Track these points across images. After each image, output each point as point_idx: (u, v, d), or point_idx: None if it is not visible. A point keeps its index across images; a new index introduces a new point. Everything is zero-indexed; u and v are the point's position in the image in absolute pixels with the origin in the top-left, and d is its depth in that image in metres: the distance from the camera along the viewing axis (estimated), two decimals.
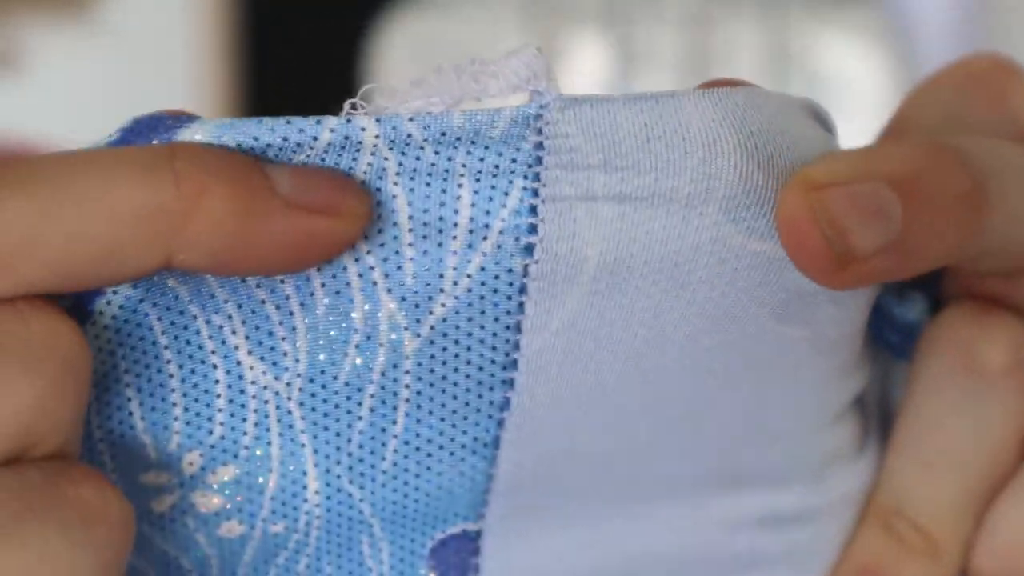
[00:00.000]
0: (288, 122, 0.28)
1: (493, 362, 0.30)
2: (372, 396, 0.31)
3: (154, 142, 0.28)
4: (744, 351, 0.31)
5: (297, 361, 0.30)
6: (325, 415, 0.31)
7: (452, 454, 0.32)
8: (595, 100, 0.29)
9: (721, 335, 0.30)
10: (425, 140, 0.29)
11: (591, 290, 0.29)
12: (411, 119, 0.28)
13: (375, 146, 0.28)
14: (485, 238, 0.29)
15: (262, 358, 0.30)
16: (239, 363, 0.30)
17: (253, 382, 0.30)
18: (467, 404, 0.31)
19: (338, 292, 0.30)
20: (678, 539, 0.34)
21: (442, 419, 0.31)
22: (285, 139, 0.28)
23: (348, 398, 0.31)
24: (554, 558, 0.34)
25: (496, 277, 0.29)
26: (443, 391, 0.31)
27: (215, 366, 0.30)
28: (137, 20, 1.14)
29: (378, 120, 0.28)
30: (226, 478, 0.31)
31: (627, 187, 0.29)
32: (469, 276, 0.29)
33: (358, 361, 0.30)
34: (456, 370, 0.30)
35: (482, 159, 0.29)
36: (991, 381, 0.33)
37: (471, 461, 0.32)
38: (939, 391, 0.33)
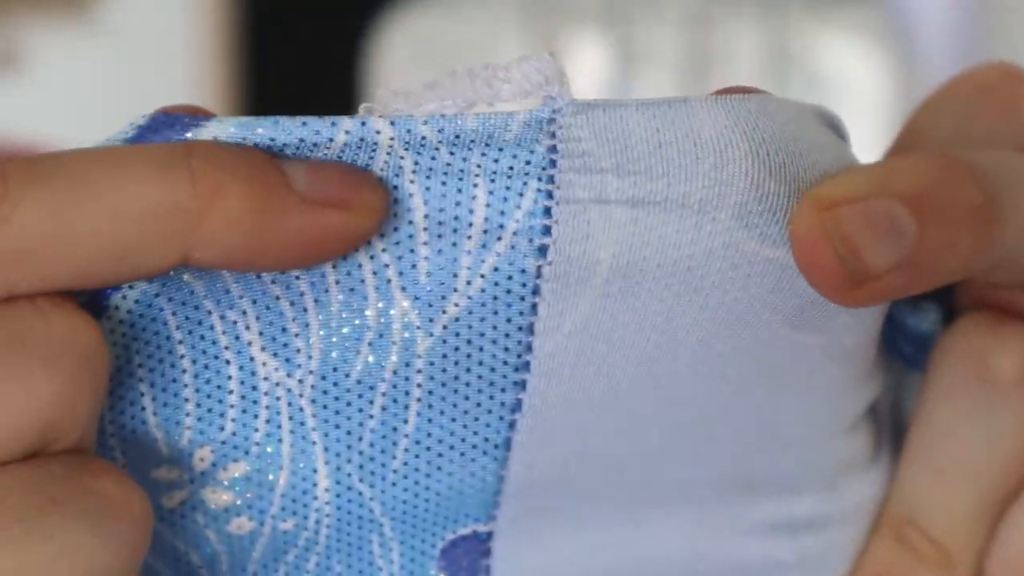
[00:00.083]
0: (304, 124, 0.28)
1: (505, 363, 0.30)
2: (384, 395, 0.31)
3: (171, 140, 0.29)
4: (757, 357, 0.31)
5: (310, 358, 0.30)
6: (336, 413, 0.31)
7: (463, 454, 0.32)
8: (607, 105, 0.29)
9: (734, 340, 0.31)
10: (440, 142, 0.29)
11: (604, 293, 0.30)
12: (425, 122, 0.29)
13: (391, 147, 0.29)
14: (499, 239, 0.29)
15: (275, 354, 0.30)
16: (252, 359, 0.30)
17: (266, 378, 0.31)
18: (478, 405, 0.31)
19: (352, 289, 0.30)
20: (690, 544, 0.34)
21: (453, 419, 0.31)
22: (301, 140, 0.28)
23: (360, 396, 0.31)
24: (565, 561, 0.34)
25: (509, 278, 0.29)
26: (455, 391, 0.31)
27: (228, 362, 0.30)
28: (137, 20, 1.14)
29: (392, 123, 0.29)
30: (237, 474, 0.31)
31: (639, 191, 0.29)
32: (483, 276, 0.29)
33: (370, 359, 0.30)
34: (468, 370, 0.30)
35: (496, 160, 0.29)
36: (1004, 391, 0.33)
37: (482, 462, 0.32)
38: (952, 401, 0.33)
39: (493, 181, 0.29)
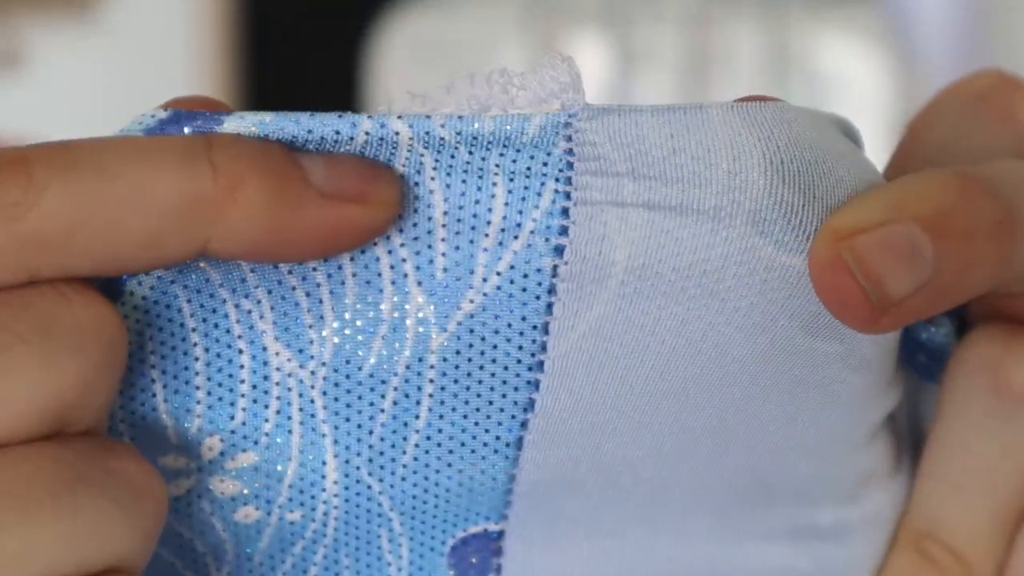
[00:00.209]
0: (324, 123, 0.29)
1: (519, 362, 0.30)
2: (396, 389, 0.31)
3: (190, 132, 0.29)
4: (774, 364, 0.31)
5: (323, 350, 0.31)
6: (348, 406, 0.31)
7: (473, 452, 0.32)
8: (622, 110, 0.29)
9: (750, 346, 0.31)
10: (458, 142, 0.29)
11: (619, 294, 0.30)
12: (442, 124, 0.29)
13: (410, 145, 0.29)
14: (516, 237, 0.29)
15: (288, 345, 0.31)
16: (265, 348, 0.31)
17: (278, 368, 0.31)
18: (491, 403, 0.31)
19: (368, 282, 0.30)
20: (706, 550, 0.34)
21: (465, 416, 0.31)
22: (323, 138, 0.29)
23: (371, 390, 0.31)
24: (578, 564, 0.34)
25: (525, 276, 0.30)
26: (467, 388, 0.31)
27: (241, 351, 0.31)
28: (138, 20, 1.14)
29: (410, 125, 0.29)
30: (245, 464, 0.31)
31: (654, 196, 0.29)
32: (499, 274, 0.30)
33: (383, 353, 0.30)
34: (481, 368, 0.31)
35: (515, 161, 0.29)
36: (1019, 403, 0.33)
37: (492, 460, 0.32)
38: (967, 414, 0.33)
39: (512, 180, 0.29)
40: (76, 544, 0.27)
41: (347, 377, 0.31)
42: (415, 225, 0.29)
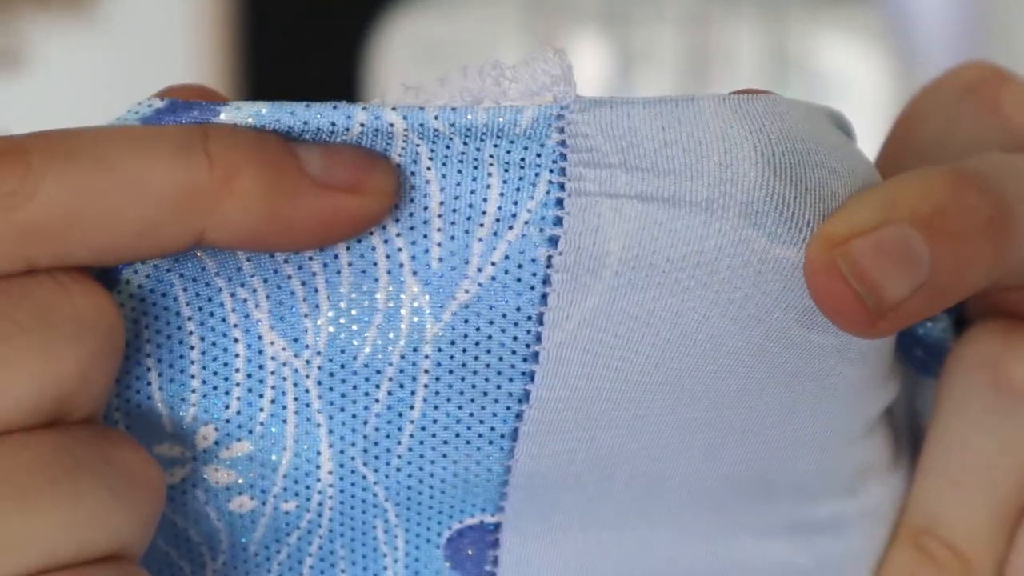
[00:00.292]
0: (320, 114, 0.29)
1: (514, 353, 0.31)
2: (390, 379, 0.31)
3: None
4: (769, 356, 0.31)
5: (318, 339, 0.31)
6: (342, 395, 0.31)
7: (468, 443, 0.32)
8: (614, 102, 0.30)
9: (745, 338, 0.31)
10: (453, 133, 0.29)
11: (613, 285, 0.30)
12: (436, 116, 0.29)
13: (406, 136, 0.29)
14: (511, 227, 0.29)
15: (283, 334, 0.31)
16: (260, 338, 0.31)
17: (273, 358, 0.31)
18: (485, 394, 0.31)
19: (364, 272, 0.30)
20: (705, 545, 0.34)
21: (460, 407, 0.31)
22: (318, 129, 0.29)
23: (366, 379, 0.31)
24: (575, 557, 0.34)
25: (520, 266, 0.30)
26: (462, 379, 0.31)
27: (236, 340, 0.31)
28: (139, 19, 1.14)
29: (405, 116, 0.29)
30: (239, 454, 0.32)
31: (647, 187, 0.29)
32: (494, 264, 0.30)
33: (378, 343, 0.31)
34: (476, 358, 0.31)
35: (508, 152, 0.29)
36: (1018, 399, 0.33)
37: (488, 451, 0.32)
38: (966, 411, 0.33)
39: (506, 171, 0.29)
40: (75, 531, 0.27)
41: (342, 367, 0.31)
42: (411, 215, 0.30)
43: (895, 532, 0.35)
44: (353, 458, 0.32)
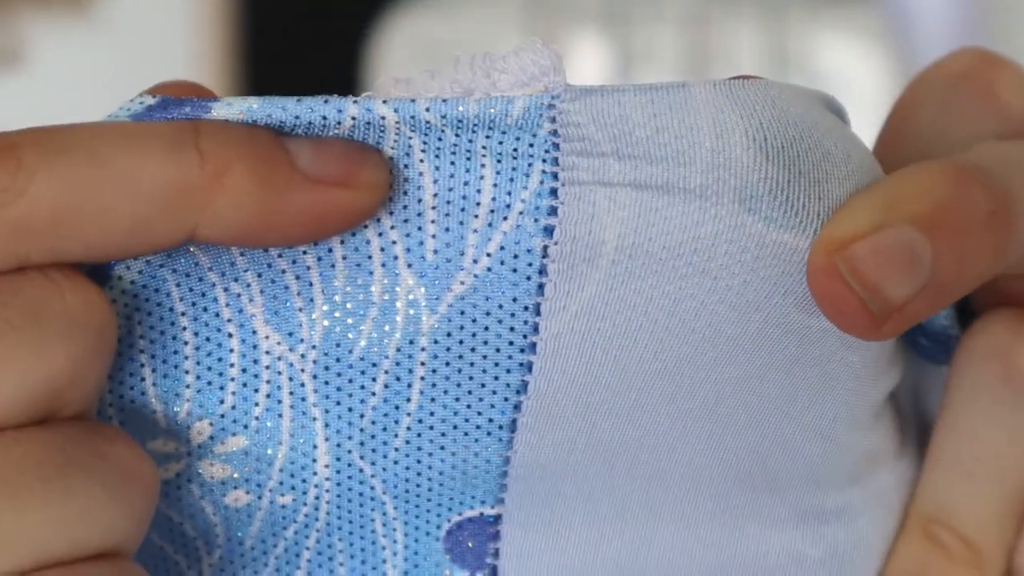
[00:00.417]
0: (311, 109, 0.29)
1: (511, 344, 0.30)
2: (387, 372, 0.31)
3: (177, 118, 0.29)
4: (769, 342, 0.31)
5: (313, 333, 0.30)
6: (338, 389, 0.31)
7: (466, 434, 0.32)
8: (605, 90, 0.30)
9: (744, 324, 0.30)
10: (444, 125, 0.29)
11: (610, 274, 0.30)
12: (427, 108, 0.29)
13: (398, 129, 0.29)
14: (506, 218, 0.29)
15: (278, 328, 0.31)
16: (254, 332, 0.31)
17: (267, 352, 0.31)
18: (483, 385, 0.31)
19: (359, 265, 0.30)
20: (708, 535, 0.34)
21: (457, 399, 0.31)
22: (310, 124, 0.29)
23: (362, 373, 0.31)
24: (577, 549, 0.34)
25: (516, 257, 0.30)
26: (459, 370, 0.31)
27: (230, 335, 0.30)
28: (138, 18, 1.14)
29: (396, 109, 0.29)
30: (234, 448, 0.31)
31: (640, 175, 0.29)
32: (489, 255, 0.30)
33: (374, 336, 0.30)
34: (473, 350, 0.31)
35: (501, 143, 0.29)
36: None
37: (486, 443, 0.32)
38: (976, 402, 0.33)
39: (499, 162, 0.29)
40: (67, 528, 0.27)
41: (337, 360, 0.31)
42: (405, 207, 0.29)
43: (905, 522, 0.35)
44: (350, 451, 0.32)
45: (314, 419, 0.31)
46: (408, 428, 0.32)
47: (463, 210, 0.29)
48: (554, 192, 0.29)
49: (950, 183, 0.29)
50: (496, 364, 0.31)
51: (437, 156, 0.29)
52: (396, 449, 0.32)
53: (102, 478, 0.28)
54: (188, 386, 0.31)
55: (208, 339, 0.31)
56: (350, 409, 0.31)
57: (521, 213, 0.29)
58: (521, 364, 0.31)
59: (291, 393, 0.31)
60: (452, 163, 0.29)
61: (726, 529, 0.34)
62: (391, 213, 0.30)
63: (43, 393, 0.28)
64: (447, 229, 0.30)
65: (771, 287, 0.30)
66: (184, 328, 0.30)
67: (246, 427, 0.31)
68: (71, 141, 0.28)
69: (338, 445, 0.32)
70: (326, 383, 0.31)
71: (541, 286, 0.30)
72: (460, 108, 0.29)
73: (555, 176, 0.29)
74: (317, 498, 0.32)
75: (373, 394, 0.31)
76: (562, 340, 0.30)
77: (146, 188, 0.28)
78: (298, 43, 1.23)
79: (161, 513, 0.32)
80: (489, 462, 0.32)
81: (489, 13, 1.10)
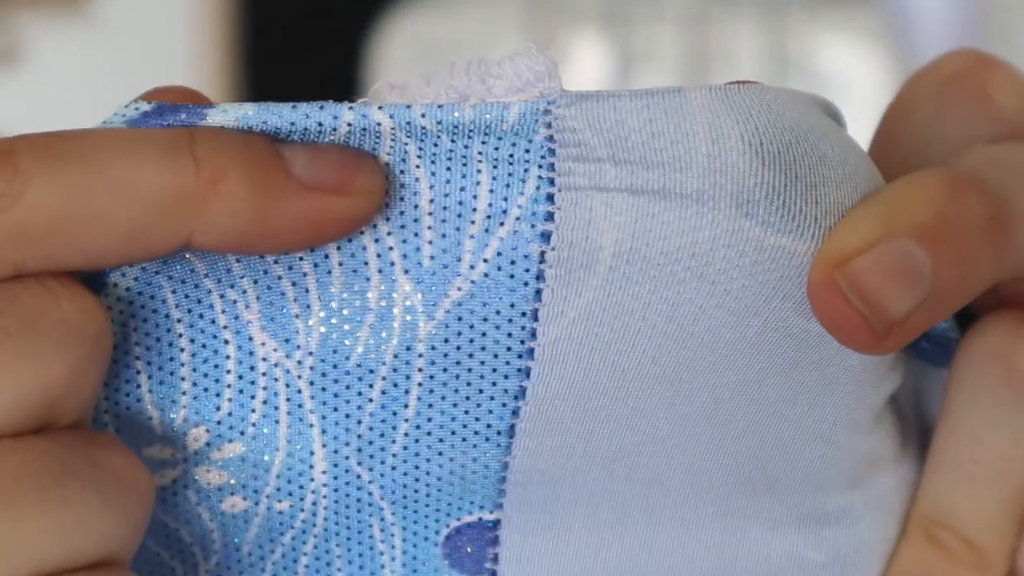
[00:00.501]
0: (307, 115, 0.29)
1: (508, 349, 0.30)
2: (384, 379, 0.31)
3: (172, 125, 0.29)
4: (768, 346, 0.31)
5: (309, 339, 0.30)
6: (335, 395, 0.31)
7: (464, 440, 0.32)
8: (601, 96, 0.30)
9: (743, 329, 0.30)
10: (440, 131, 0.29)
11: (607, 279, 0.30)
12: (423, 114, 0.29)
13: (393, 135, 0.29)
14: (502, 224, 0.29)
15: (274, 335, 0.30)
16: (251, 339, 0.30)
17: (264, 359, 0.31)
18: (481, 391, 0.31)
19: (355, 271, 0.30)
20: (709, 539, 0.34)
21: (455, 405, 0.31)
22: (306, 130, 0.29)
23: (359, 379, 0.31)
24: (577, 553, 0.34)
25: (512, 262, 0.30)
26: (457, 377, 0.31)
27: (227, 341, 0.30)
28: (136, 16, 1.14)
29: (391, 115, 0.29)
30: (231, 455, 0.31)
31: (636, 180, 0.29)
32: (486, 261, 0.30)
33: (371, 342, 0.30)
34: (471, 356, 0.31)
35: (497, 148, 0.29)
36: None
37: (484, 448, 0.32)
38: (977, 404, 0.33)
39: (495, 168, 0.29)
40: (64, 536, 0.27)
41: (334, 367, 0.31)
42: (401, 213, 0.29)
43: (906, 524, 0.35)
44: (347, 457, 0.32)
45: (311, 425, 0.31)
46: (406, 434, 0.31)
47: (460, 216, 0.29)
48: (551, 198, 0.29)
49: (947, 192, 0.29)
50: (494, 370, 0.31)
51: (433, 162, 0.29)
52: (394, 455, 0.32)
53: (98, 486, 0.28)
54: (184, 393, 0.31)
55: (204, 346, 0.31)
56: (347, 415, 0.31)
57: (518, 219, 0.29)
58: (519, 370, 0.31)
59: (288, 400, 0.31)
60: (448, 169, 0.29)
61: (727, 533, 0.34)
62: (387, 219, 0.29)
63: (40, 402, 0.28)
64: (444, 235, 0.29)
65: (769, 291, 0.30)
66: (180, 335, 0.30)
67: (243, 433, 0.31)
68: (67, 147, 0.28)
69: (335, 451, 0.32)
70: (323, 390, 0.31)
71: (539, 292, 0.30)
72: (456, 114, 0.29)
73: (551, 182, 0.29)
74: (315, 504, 0.32)
75: (370, 400, 0.31)
76: (560, 346, 0.30)
77: (142, 195, 0.28)
78: (298, 43, 1.23)
79: (157, 519, 0.32)
80: (487, 468, 0.32)
81: (489, 13, 1.10)
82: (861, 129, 0.33)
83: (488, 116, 0.29)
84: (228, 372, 0.31)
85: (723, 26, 1.05)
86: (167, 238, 0.28)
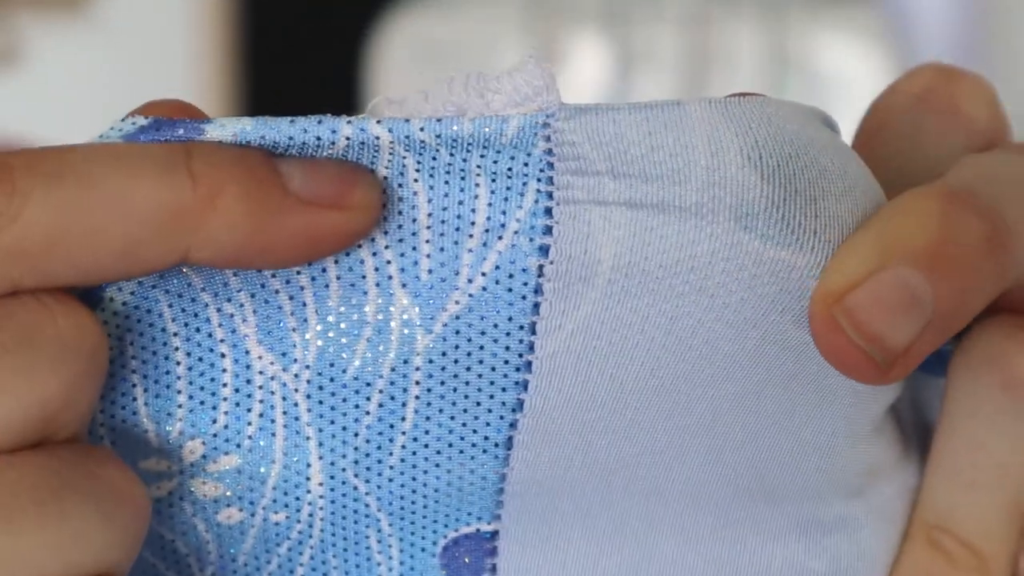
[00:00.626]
0: (305, 130, 0.29)
1: (506, 363, 0.30)
2: (381, 391, 0.31)
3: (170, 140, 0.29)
4: (766, 359, 0.31)
5: (306, 352, 0.30)
6: (332, 408, 0.31)
7: (462, 452, 0.32)
8: (600, 109, 0.30)
9: (741, 342, 0.30)
10: (439, 145, 0.29)
11: (606, 293, 0.30)
12: (421, 128, 0.29)
13: (391, 149, 0.29)
14: (501, 237, 0.29)
15: (271, 348, 0.30)
16: (247, 352, 0.30)
17: (261, 372, 0.31)
18: (478, 404, 0.31)
19: (353, 284, 0.30)
20: (708, 551, 0.34)
21: (452, 417, 0.31)
22: (304, 144, 0.29)
23: (356, 392, 0.31)
24: (576, 565, 0.34)
25: (511, 276, 0.30)
26: (454, 389, 0.31)
27: (223, 355, 0.30)
28: (136, 17, 1.14)
29: (390, 129, 0.29)
30: (227, 467, 0.31)
31: (635, 194, 0.29)
32: (484, 275, 0.30)
33: (368, 355, 0.30)
34: (468, 369, 0.31)
35: (495, 162, 0.29)
36: None
37: (482, 460, 0.32)
38: (976, 410, 0.33)
39: (494, 181, 0.29)
40: (61, 551, 0.27)
41: (331, 380, 0.31)
42: (399, 227, 0.29)
43: (908, 530, 0.35)
44: (344, 469, 0.32)
45: (308, 438, 0.31)
46: (403, 446, 0.31)
47: (458, 229, 0.29)
48: (549, 211, 0.29)
49: (941, 214, 0.29)
50: (491, 383, 0.31)
51: (431, 175, 0.29)
52: (391, 467, 0.32)
53: (96, 501, 0.28)
54: (180, 406, 0.31)
55: (201, 359, 0.31)
56: (344, 428, 0.31)
57: (516, 232, 0.29)
58: (517, 383, 0.31)
59: (284, 412, 0.31)
60: (446, 182, 0.29)
61: (727, 544, 0.34)
62: (385, 233, 0.29)
63: (37, 418, 0.28)
64: (442, 249, 0.29)
65: (768, 304, 0.30)
66: (176, 348, 0.30)
67: (239, 446, 0.31)
68: (64, 163, 0.28)
69: (332, 463, 0.32)
70: (320, 402, 0.31)
71: (536, 305, 0.30)
72: (454, 127, 0.29)
73: (550, 195, 0.29)
74: (311, 515, 0.32)
75: (367, 413, 0.31)
76: (558, 359, 0.30)
77: (138, 210, 0.28)
78: (298, 43, 1.23)
79: (153, 531, 0.32)
80: (485, 479, 0.32)
81: (489, 13, 1.10)
82: None
83: (487, 130, 0.29)
84: (224, 385, 0.31)
85: (723, 26, 1.05)
86: (164, 254, 0.28)
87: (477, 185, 0.29)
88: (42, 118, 1.09)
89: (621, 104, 0.30)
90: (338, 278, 0.30)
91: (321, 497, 0.32)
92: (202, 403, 0.31)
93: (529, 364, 0.30)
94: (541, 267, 0.29)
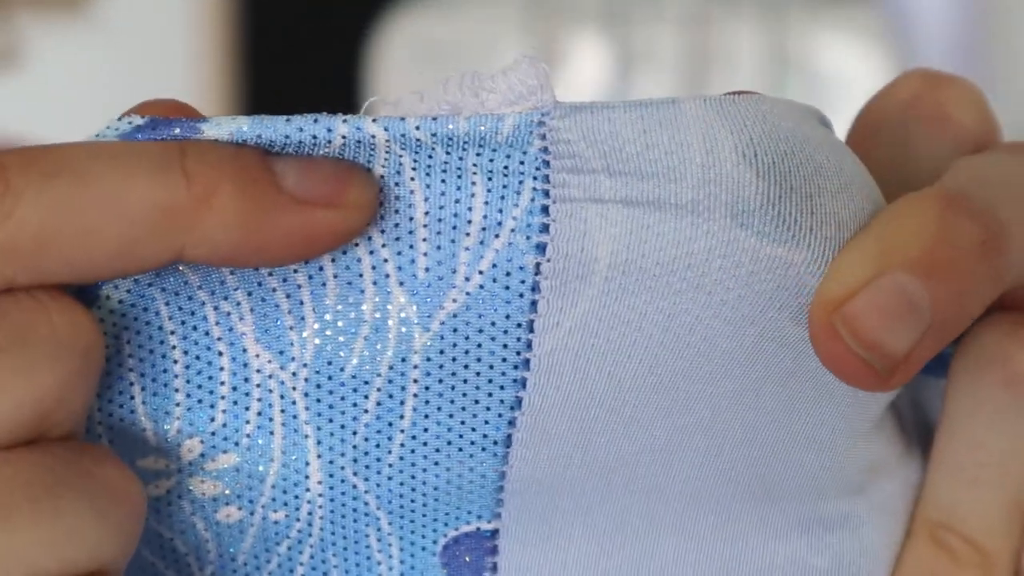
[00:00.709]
0: (301, 129, 0.29)
1: (504, 360, 0.30)
2: (379, 390, 0.31)
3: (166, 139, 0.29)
4: (765, 356, 0.31)
5: (304, 351, 0.30)
6: (330, 406, 0.31)
7: (461, 450, 0.32)
8: (595, 107, 0.30)
9: (739, 339, 0.30)
10: (435, 143, 0.29)
11: (603, 290, 0.30)
12: (417, 127, 0.29)
13: (388, 147, 0.29)
14: (497, 235, 0.29)
15: (268, 346, 0.31)
16: (245, 351, 0.31)
17: (258, 371, 0.31)
18: (477, 402, 0.31)
19: (350, 283, 0.30)
20: (710, 549, 0.34)
21: (451, 416, 0.31)
22: (300, 143, 0.29)
23: (354, 390, 0.31)
24: (576, 563, 0.34)
25: (508, 274, 0.30)
26: (452, 387, 0.31)
27: (220, 353, 0.30)
28: (136, 17, 1.14)
29: (386, 128, 0.29)
30: (225, 465, 0.31)
31: (631, 192, 0.29)
32: (481, 273, 0.30)
33: (366, 354, 0.30)
34: (466, 367, 0.31)
35: (491, 160, 0.29)
36: None
37: (481, 458, 0.32)
38: (977, 409, 0.33)
39: (490, 179, 0.29)
40: (56, 548, 0.27)
41: (329, 378, 0.31)
42: (396, 225, 0.30)
43: (911, 527, 0.35)
44: (343, 468, 0.32)
45: (306, 436, 0.31)
46: (402, 444, 0.31)
47: (454, 228, 0.29)
48: (545, 209, 0.29)
49: (937, 219, 0.29)
50: (490, 381, 0.31)
51: (428, 174, 0.29)
52: (390, 465, 0.32)
53: (90, 498, 0.28)
54: (178, 404, 0.31)
55: (198, 357, 0.31)
56: (343, 426, 0.31)
57: (513, 230, 0.29)
58: (515, 380, 0.31)
59: (282, 411, 0.31)
60: (443, 181, 0.29)
61: (729, 541, 0.34)
62: (382, 231, 0.30)
63: (31, 415, 0.28)
64: (439, 247, 0.30)
65: (766, 301, 0.30)
66: (174, 347, 0.30)
67: (237, 444, 0.31)
68: (58, 162, 0.28)
69: (331, 462, 0.32)
70: (318, 401, 0.31)
71: (534, 303, 0.30)
72: (450, 126, 0.29)
73: (546, 193, 0.29)
74: (310, 514, 0.32)
75: (366, 411, 0.31)
76: (556, 356, 0.30)
77: (133, 209, 0.28)
78: (298, 43, 1.23)
79: (152, 530, 0.32)
80: (484, 477, 0.32)
81: (489, 13, 1.10)
82: None
83: (483, 128, 0.29)
84: (222, 383, 0.31)
85: (723, 26, 1.05)
86: (158, 252, 0.28)
87: (473, 183, 0.29)
88: (42, 118, 1.09)
89: (616, 102, 0.30)
90: (335, 276, 0.30)
91: (320, 496, 0.32)
92: (200, 401, 0.31)
93: (527, 362, 0.30)
94: (538, 265, 0.30)
